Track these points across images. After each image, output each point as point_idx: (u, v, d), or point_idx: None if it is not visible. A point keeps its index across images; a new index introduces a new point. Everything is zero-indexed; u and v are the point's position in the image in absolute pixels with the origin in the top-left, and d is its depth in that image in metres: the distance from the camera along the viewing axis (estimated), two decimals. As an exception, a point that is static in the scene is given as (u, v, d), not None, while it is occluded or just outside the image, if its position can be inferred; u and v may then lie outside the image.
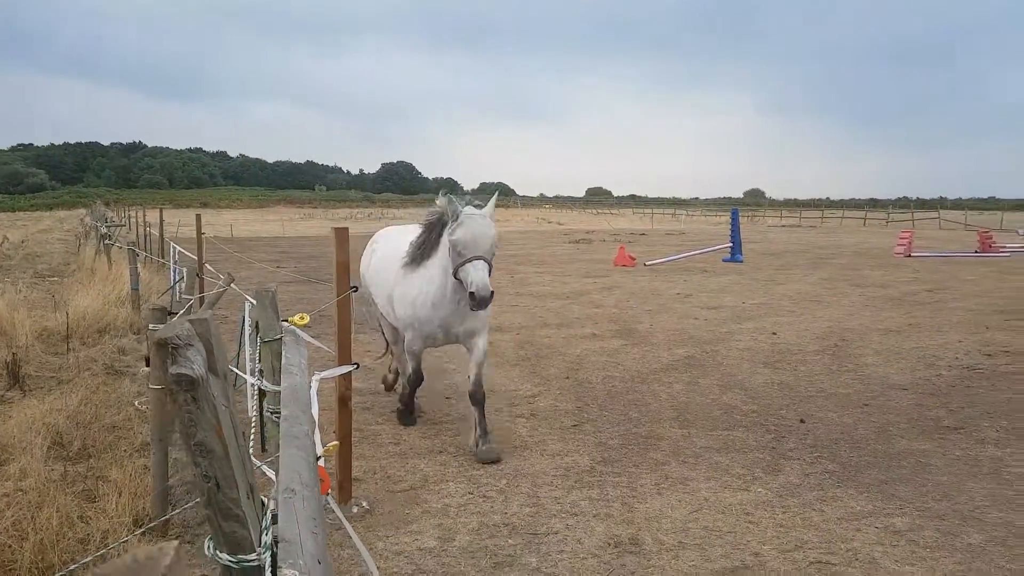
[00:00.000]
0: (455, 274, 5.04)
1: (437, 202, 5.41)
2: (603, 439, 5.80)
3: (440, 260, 5.31)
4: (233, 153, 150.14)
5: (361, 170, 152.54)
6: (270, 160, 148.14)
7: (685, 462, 5.29)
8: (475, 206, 5.12)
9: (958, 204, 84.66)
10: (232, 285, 6.89)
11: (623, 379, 7.65)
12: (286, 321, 3.19)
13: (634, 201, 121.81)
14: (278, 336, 2.38)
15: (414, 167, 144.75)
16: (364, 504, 4.50)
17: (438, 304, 5.36)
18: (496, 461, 5.24)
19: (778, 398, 6.95)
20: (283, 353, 2.57)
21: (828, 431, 5.97)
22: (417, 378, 5.88)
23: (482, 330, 5.55)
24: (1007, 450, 5.46)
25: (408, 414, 6.13)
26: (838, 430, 5.99)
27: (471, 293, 4.83)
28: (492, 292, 4.92)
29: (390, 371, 7.11)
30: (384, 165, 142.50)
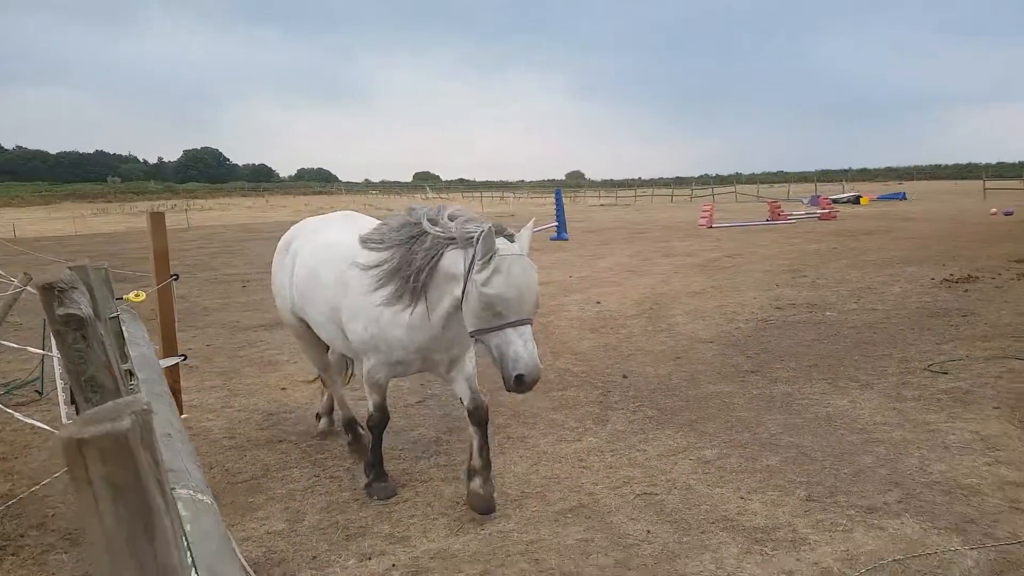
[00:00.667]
0: (476, 337, 3.53)
1: (431, 222, 3.79)
2: (447, 411, 5.98)
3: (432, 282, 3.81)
4: (8, 144, 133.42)
5: (160, 158, 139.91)
6: (53, 151, 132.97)
7: (525, 423, 5.60)
8: (505, 237, 3.55)
9: (752, 179, 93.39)
10: (29, 287, 6.29)
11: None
12: (121, 299, 3.04)
13: (463, 185, 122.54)
14: (114, 314, 2.29)
15: (221, 154, 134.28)
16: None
17: (417, 325, 3.88)
18: (491, 511, 4.06)
19: (604, 359, 7.48)
20: (123, 329, 2.48)
21: (647, 383, 6.54)
22: (382, 417, 4.37)
23: (468, 350, 4.24)
24: (795, 386, 6.27)
25: (378, 475, 4.43)
26: (655, 381, 6.58)
27: (517, 377, 3.33)
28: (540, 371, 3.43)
29: (322, 406, 5.64)
30: (187, 152, 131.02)
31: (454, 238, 3.65)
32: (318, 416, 5.67)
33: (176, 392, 4.37)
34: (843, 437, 5.03)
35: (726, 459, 4.74)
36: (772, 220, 27.07)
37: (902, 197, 43.56)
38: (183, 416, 4.63)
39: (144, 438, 0.87)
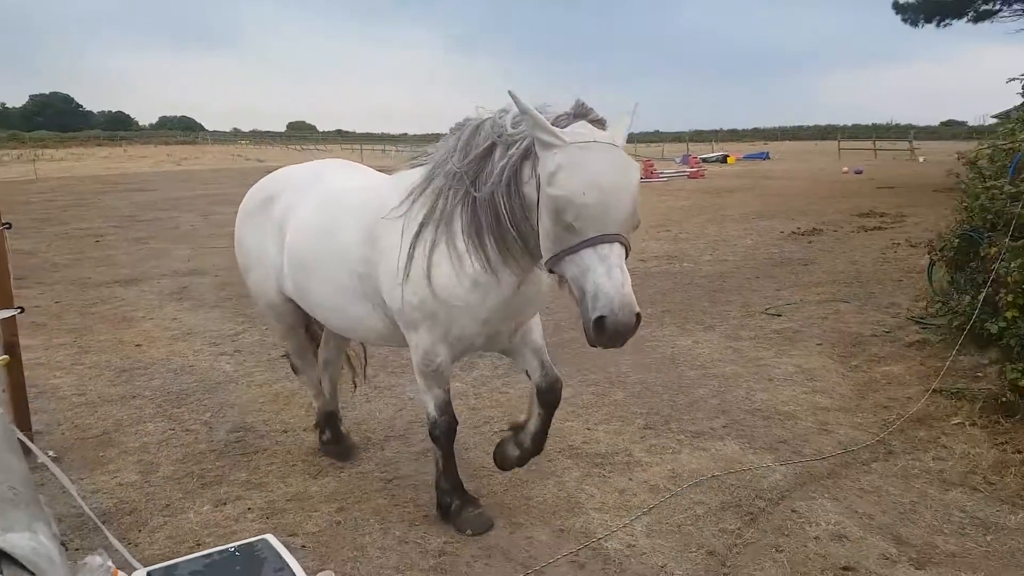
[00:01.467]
0: (551, 267, 2.60)
1: (485, 113, 2.90)
2: (310, 362, 5.98)
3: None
4: None
5: (3, 104, 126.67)
6: None
7: (392, 372, 5.70)
8: (592, 122, 2.57)
9: (630, 138, 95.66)
10: None
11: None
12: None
13: (341, 137, 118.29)
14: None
15: (74, 100, 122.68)
16: (51, 453, 4.22)
17: (485, 283, 2.93)
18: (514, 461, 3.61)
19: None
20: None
21: (512, 331, 6.79)
22: (450, 422, 3.34)
23: (536, 313, 3.41)
24: (648, 330, 6.68)
25: (464, 500, 3.43)
26: (520, 329, 6.85)
27: (597, 321, 2.37)
28: (639, 315, 2.41)
29: (319, 413, 4.32)
30: (33, 98, 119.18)
31: (503, 131, 2.71)
32: (319, 429, 4.30)
33: (13, 347, 4.15)
34: (683, 373, 5.47)
35: (579, 396, 5.05)
36: (645, 178, 28.11)
37: (766, 157, 46.12)
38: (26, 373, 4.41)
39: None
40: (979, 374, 5.05)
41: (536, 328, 3.42)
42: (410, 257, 2.99)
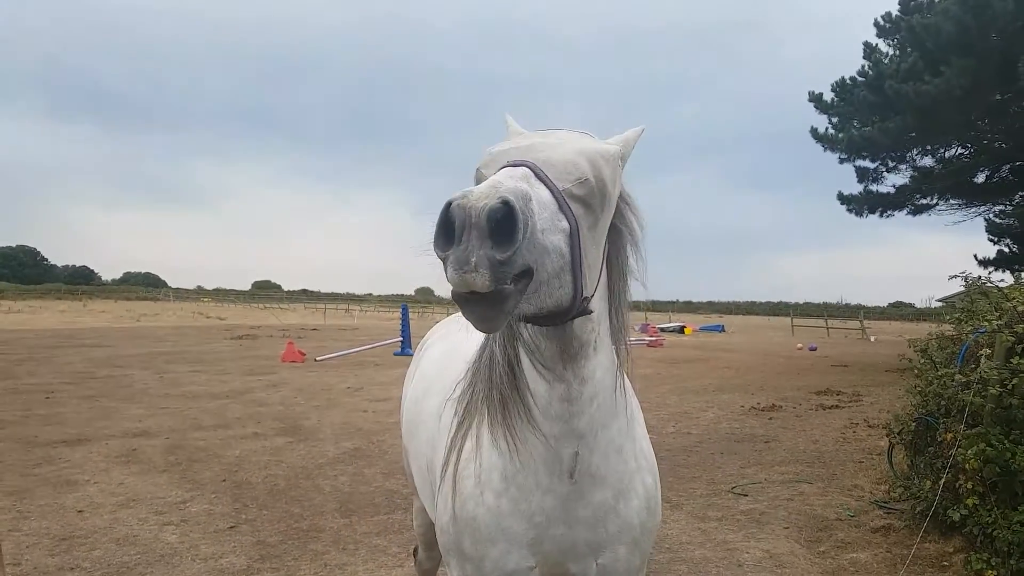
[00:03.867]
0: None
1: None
2: (262, 537, 5.70)
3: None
4: None
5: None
6: None
7: (345, 549, 5.44)
8: None
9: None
10: None
11: (286, 476, 7.56)
12: None
13: (306, 296, 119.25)
14: None
15: (39, 253, 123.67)
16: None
17: (513, 475, 1.97)
18: None
19: (434, 481, 7.46)
20: None
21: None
22: None
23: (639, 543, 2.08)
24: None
25: None
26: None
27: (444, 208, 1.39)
28: (508, 203, 1.34)
29: None
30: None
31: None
32: None
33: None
34: (652, 556, 5.31)
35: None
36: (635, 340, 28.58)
37: (721, 329, 47.58)
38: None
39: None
40: (945, 563, 5.01)
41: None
42: (446, 461, 2.14)
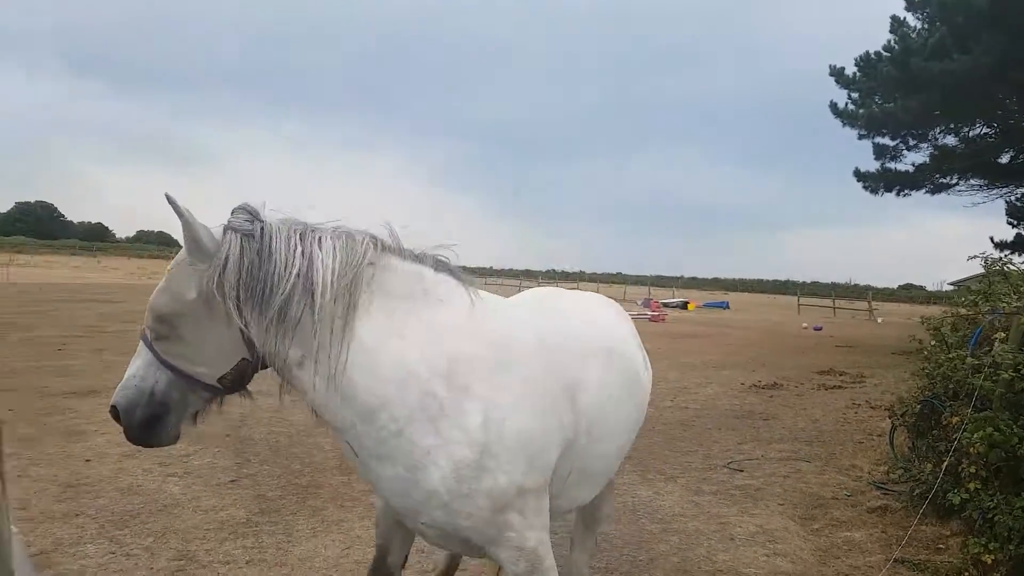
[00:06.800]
0: None
1: None
2: (262, 491, 5.79)
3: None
4: None
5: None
6: None
7: (343, 506, 5.53)
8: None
9: (593, 278, 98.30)
10: None
11: (289, 434, 7.65)
12: None
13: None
14: None
15: (56, 208, 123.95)
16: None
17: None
18: None
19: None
20: None
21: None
22: None
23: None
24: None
25: None
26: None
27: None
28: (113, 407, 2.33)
29: None
30: (19, 204, 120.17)
31: None
32: None
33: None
34: (644, 526, 5.38)
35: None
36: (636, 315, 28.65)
37: (725, 306, 47.45)
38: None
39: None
40: (941, 546, 5.04)
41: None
42: None
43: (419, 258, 2.44)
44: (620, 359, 2.92)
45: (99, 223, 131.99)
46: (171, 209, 2.12)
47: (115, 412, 2.29)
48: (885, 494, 6.31)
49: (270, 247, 2.18)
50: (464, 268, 2.53)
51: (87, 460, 6.36)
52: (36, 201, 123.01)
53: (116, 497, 5.44)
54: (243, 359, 2.28)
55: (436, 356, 2.28)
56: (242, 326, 2.18)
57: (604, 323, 3.10)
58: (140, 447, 2.40)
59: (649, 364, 3.28)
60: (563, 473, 2.57)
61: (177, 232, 2.20)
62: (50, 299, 23.39)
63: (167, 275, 2.26)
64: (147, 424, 2.29)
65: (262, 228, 2.20)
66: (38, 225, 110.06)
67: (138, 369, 2.30)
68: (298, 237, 2.22)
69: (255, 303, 2.16)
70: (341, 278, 2.20)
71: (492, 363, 2.34)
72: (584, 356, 2.71)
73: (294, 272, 2.16)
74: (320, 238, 2.25)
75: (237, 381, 2.34)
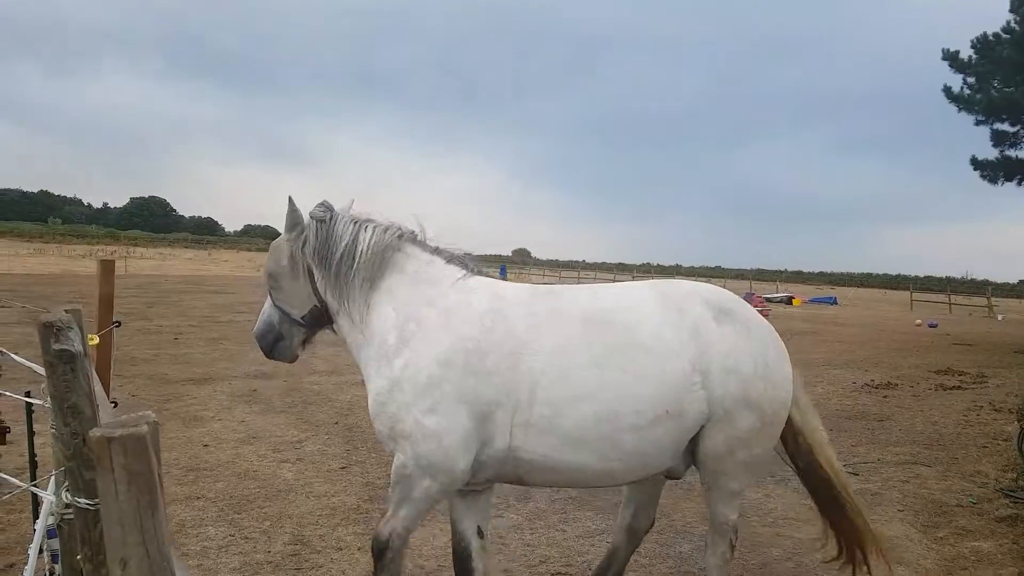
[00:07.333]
0: None
1: None
2: (371, 479, 5.96)
3: None
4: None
5: (106, 204, 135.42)
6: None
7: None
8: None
9: (691, 271, 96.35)
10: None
11: (391, 423, 7.85)
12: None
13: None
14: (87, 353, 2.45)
15: (168, 203, 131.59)
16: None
17: None
18: None
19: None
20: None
21: (574, 465, 6.64)
22: None
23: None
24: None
25: None
26: (583, 464, 6.69)
27: None
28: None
29: None
30: (134, 200, 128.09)
31: None
32: None
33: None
34: (754, 530, 5.20)
35: (642, 544, 4.83)
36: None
37: (833, 301, 45.46)
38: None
39: (153, 442, 1.32)
40: (1081, 561, 4.65)
41: None
42: None
43: (436, 250, 3.40)
44: (602, 330, 3.11)
45: (208, 217, 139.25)
46: (286, 203, 3.33)
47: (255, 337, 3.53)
48: (1015, 503, 5.87)
49: (334, 229, 3.31)
50: (473, 256, 3.51)
51: (205, 445, 6.71)
52: (150, 196, 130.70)
53: (234, 481, 5.71)
54: (315, 305, 3.39)
55: (403, 316, 3.15)
56: (315, 281, 3.36)
57: (605, 304, 3.25)
58: (272, 361, 3.63)
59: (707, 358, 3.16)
60: (502, 424, 3.00)
61: (279, 227, 3.40)
62: (167, 290, 24.90)
63: (271, 249, 3.48)
64: (273, 344, 3.48)
65: (331, 216, 3.34)
66: (152, 220, 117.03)
67: (265, 310, 3.49)
68: (352, 225, 3.31)
69: (321, 263, 3.30)
70: (373, 255, 3.25)
71: (436, 324, 3.08)
72: (541, 326, 3.09)
73: (343, 245, 3.25)
74: (365, 227, 3.32)
75: (314, 321, 3.44)
